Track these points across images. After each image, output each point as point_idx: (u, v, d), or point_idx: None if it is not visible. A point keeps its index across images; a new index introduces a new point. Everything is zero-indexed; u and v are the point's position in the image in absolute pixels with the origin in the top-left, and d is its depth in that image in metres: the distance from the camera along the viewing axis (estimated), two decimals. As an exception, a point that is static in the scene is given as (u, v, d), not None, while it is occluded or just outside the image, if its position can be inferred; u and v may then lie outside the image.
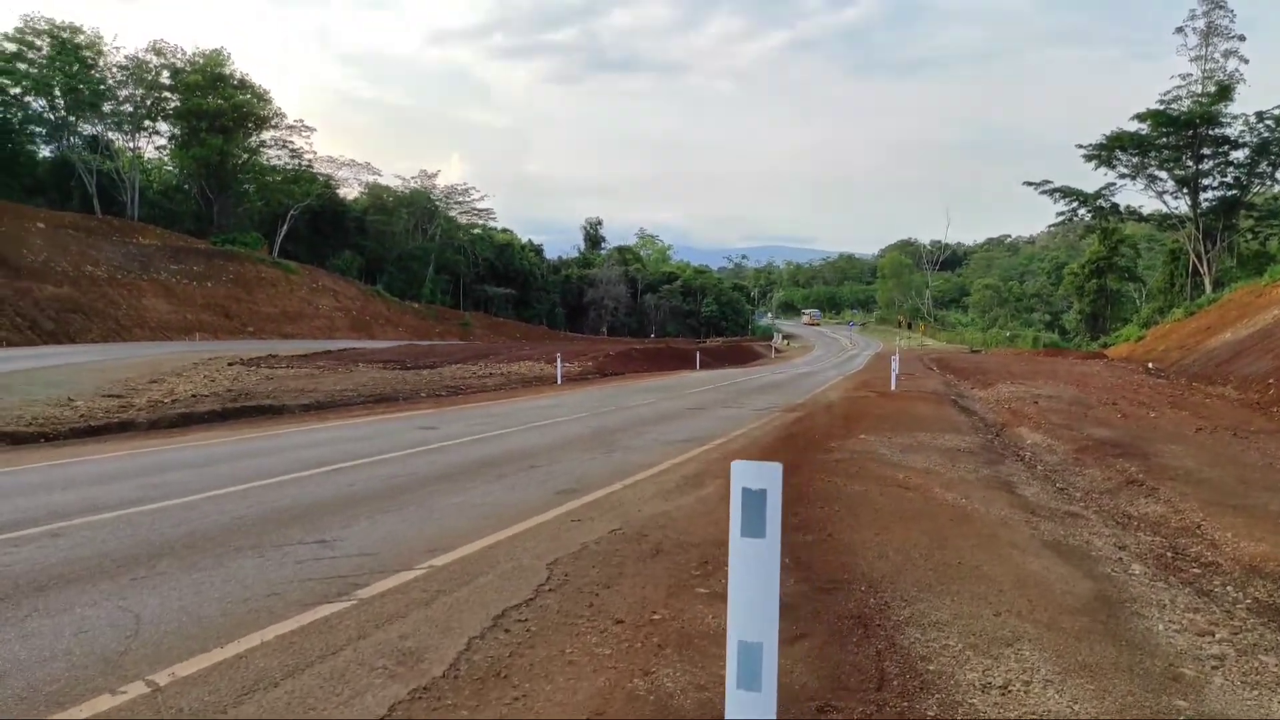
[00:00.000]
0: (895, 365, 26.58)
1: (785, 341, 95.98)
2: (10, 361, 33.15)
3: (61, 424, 14.59)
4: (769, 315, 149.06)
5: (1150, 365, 36.44)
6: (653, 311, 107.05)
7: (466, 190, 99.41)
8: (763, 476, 2.71)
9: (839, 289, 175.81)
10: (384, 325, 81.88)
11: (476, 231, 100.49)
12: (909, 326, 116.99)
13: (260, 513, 7.07)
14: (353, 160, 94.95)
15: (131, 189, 77.54)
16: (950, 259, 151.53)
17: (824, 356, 67.93)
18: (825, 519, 7.09)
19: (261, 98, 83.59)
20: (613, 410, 17.83)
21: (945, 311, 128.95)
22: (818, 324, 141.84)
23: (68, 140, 77.10)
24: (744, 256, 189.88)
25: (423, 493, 7.96)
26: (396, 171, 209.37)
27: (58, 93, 74.33)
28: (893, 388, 24.88)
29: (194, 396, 20.68)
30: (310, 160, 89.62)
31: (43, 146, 79.72)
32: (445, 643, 4.07)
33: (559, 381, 28.27)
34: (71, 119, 76.35)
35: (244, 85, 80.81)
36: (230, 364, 31.73)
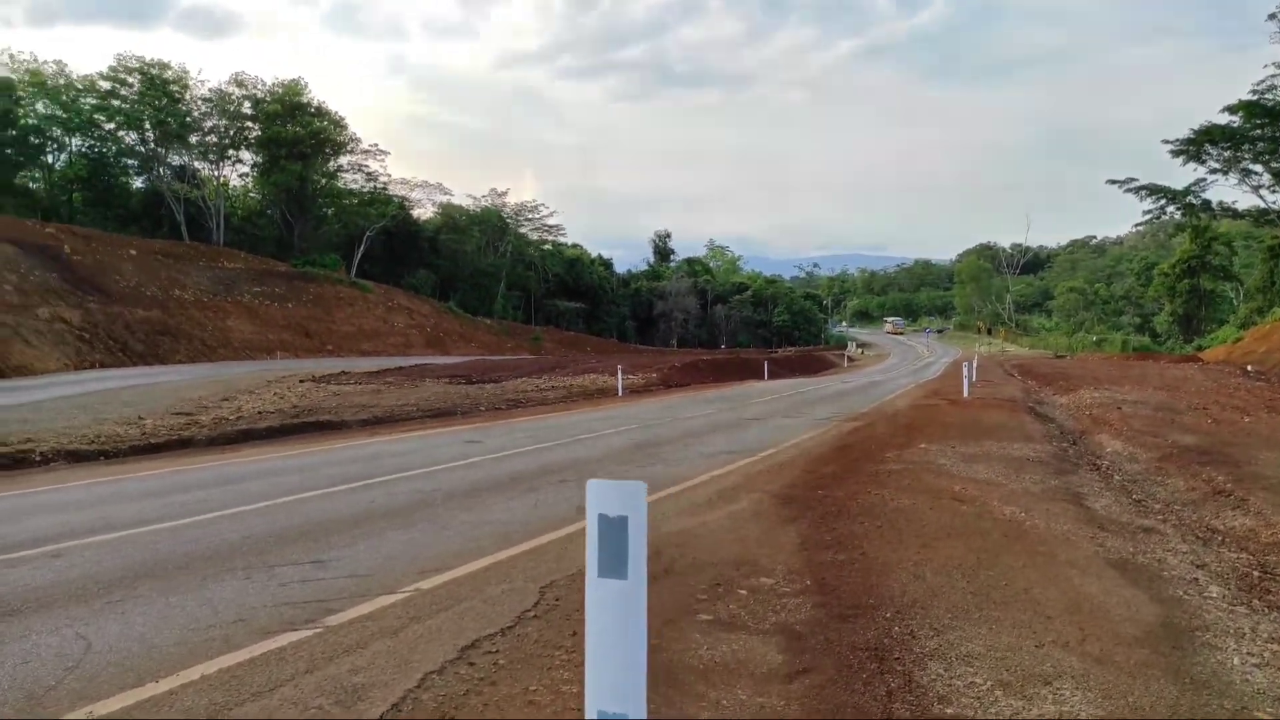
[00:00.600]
0: (968, 371, 25.41)
1: (859, 350, 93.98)
2: (98, 382, 34.51)
3: (124, 441, 14.85)
4: (843, 324, 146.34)
5: (1249, 368, 34.21)
6: (723, 322, 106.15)
7: (536, 207, 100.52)
8: (624, 499, 2.19)
9: (915, 295, 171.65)
10: (457, 341, 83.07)
11: (546, 247, 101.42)
12: (989, 332, 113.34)
13: (270, 530, 6.85)
14: (425, 181, 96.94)
15: (217, 215, 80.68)
16: (1032, 262, 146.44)
17: (898, 365, 66.10)
18: (862, 535, 6.50)
19: (337, 124, 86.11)
20: (666, 422, 17.36)
21: (1027, 316, 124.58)
22: (901, 333, 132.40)
23: (158, 171, 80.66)
24: (815, 265, 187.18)
25: (441, 509, 7.65)
26: (468, 191, 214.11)
27: (148, 126, 77.86)
28: (965, 395, 23.78)
29: (259, 413, 21.01)
30: (385, 183, 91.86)
31: (135, 178, 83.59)
32: (397, 678, 3.68)
33: (620, 394, 27.91)
34: (161, 151, 79.91)
35: (321, 113, 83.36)
36: (301, 381, 32.35)
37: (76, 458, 13.31)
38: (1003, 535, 6.79)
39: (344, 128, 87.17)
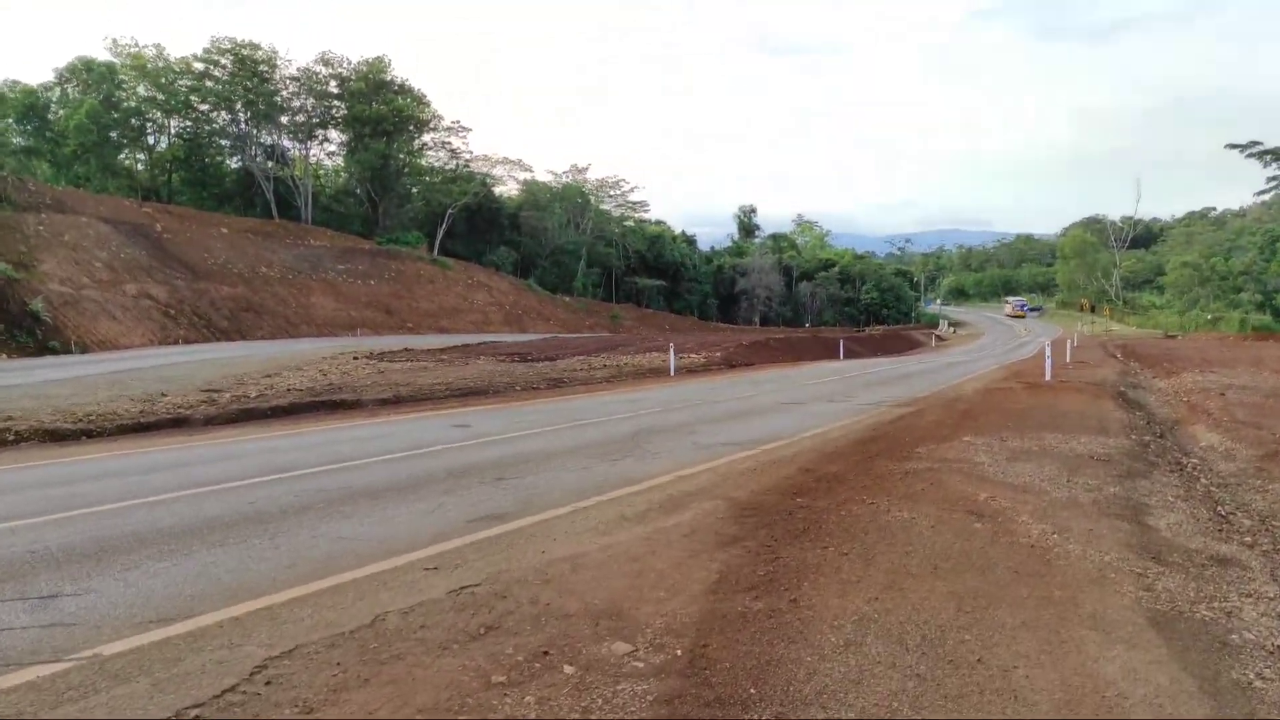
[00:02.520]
0: (1054, 352, 22.97)
1: (951, 329, 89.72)
2: (163, 357, 35.02)
3: (119, 419, 14.23)
4: (936, 301, 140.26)
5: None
6: (808, 300, 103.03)
7: (617, 182, 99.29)
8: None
9: (1015, 272, 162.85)
10: (535, 319, 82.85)
11: (628, 224, 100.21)
12: (1093, 310, 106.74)
13: (85, 539, 5.72)
14: (506, 158, 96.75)
15: (305, 194, 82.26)
16: (1143, 236, 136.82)
17: (990, 345, 62.43)
18: (812, 568, 4.92)
19: (420, 101, 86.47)
20: (692, 406, 15.84)
21: (1136, 293, 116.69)
22: (1023, 315, 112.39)
23: (250, 151, 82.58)
24: (908, 240, 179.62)
25: (311, 516, 6.39)
26: (549, 167, 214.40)
27: (239, 106, 79.70)
28: (1047, 378, 21.43)
29: (287, 390, 20.43)
30: (467, 160, 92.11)
31: (229, 158, 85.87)
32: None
33: (671, 373, 26.44)
34: (252, 130, 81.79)
35: (404, 90, 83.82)
36: (356, 358, 32.00)
37: (56, 437, 12.68)
38: (1013, 570, 5.10)
39: (426, 105, 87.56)
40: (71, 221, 55.89)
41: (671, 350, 27.88)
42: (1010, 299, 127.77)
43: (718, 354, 36.39)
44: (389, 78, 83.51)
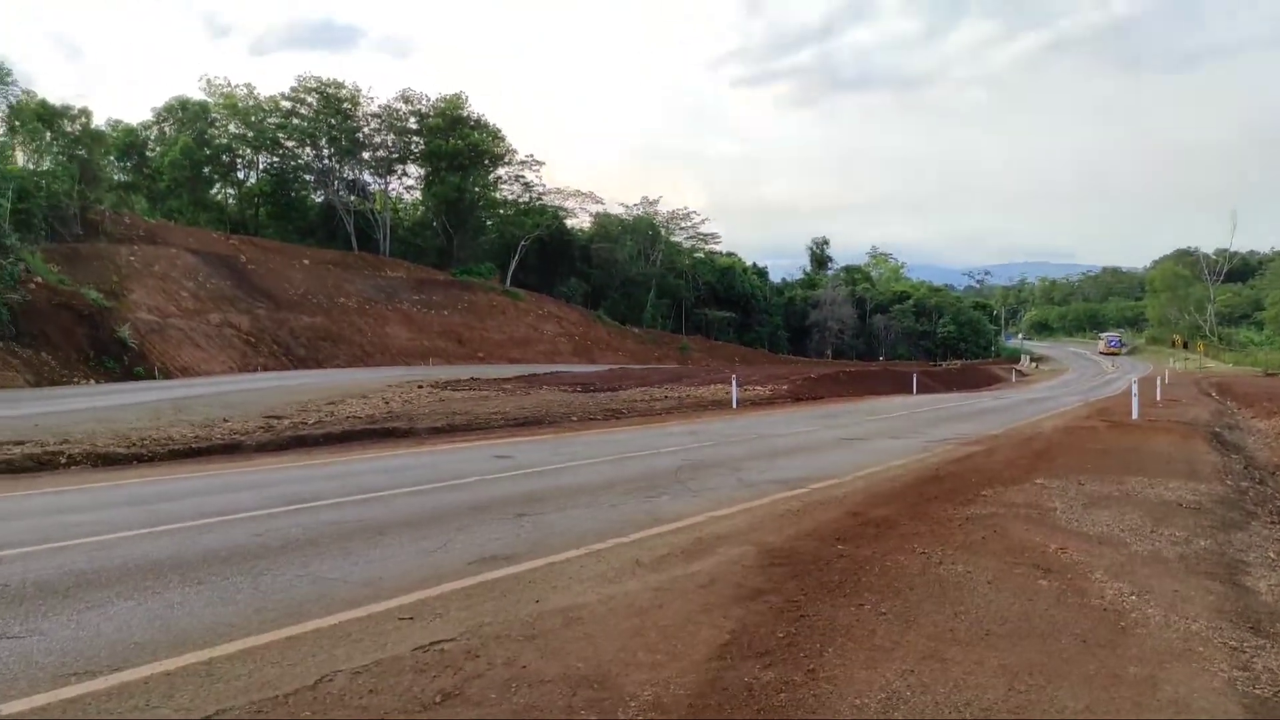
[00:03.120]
0: (1136, 389, 21.59)
1: (1033, 365, 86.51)
2: (235, 384, 35.88)
3: (175, 444, 14.32)
4: (1018, 336, 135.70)
5: None
6: (882, 333, 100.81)
7: (688, 214, 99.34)
8: None
9: (1101, 306, 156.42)
10: (604, 350, 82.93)
11: (699, 255, 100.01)
12: (1185, 346, 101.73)
13: (64, 573, 5.46)
14: (578, 190, 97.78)
15: (383, 227, 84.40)
16: (1239, 269, 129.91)
17: (1075, 381, 59.83)
18: (843, 629, 4.30)
19: (495, 136, 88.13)
20: (751, 439, 15.20)
21: (1232, 329, 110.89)
22: (1117, 352, 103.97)
23: (332, 185, 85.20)
24: (987, 273, 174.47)
25: (309, 553, 5.99)
26: (620, 200, 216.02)
27: (324, 143, 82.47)
28: (1134, 416, 20.10)
29: (348, 418, 20.51)
30: (540, 193, 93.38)
31: (313, 192, 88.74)
32: None
33: (734, 406, 25.78)
34: (335, 166, 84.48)
35: (479, 125, 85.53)
36: (420, 386, 32.22)
37: (108, 461, 12.76)
38: (1080, 639, 4.39)
39: (501, 139, 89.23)
40: (161, 253, 58.30)
41: (734, 382, 27.19)
42: (1104, 335, 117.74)
43: (784, 387, 35.56)
44: (465, 113, 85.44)
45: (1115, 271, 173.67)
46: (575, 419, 21.43)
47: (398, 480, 9.58)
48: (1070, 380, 61.64)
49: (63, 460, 12.31)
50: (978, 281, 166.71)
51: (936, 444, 14.52)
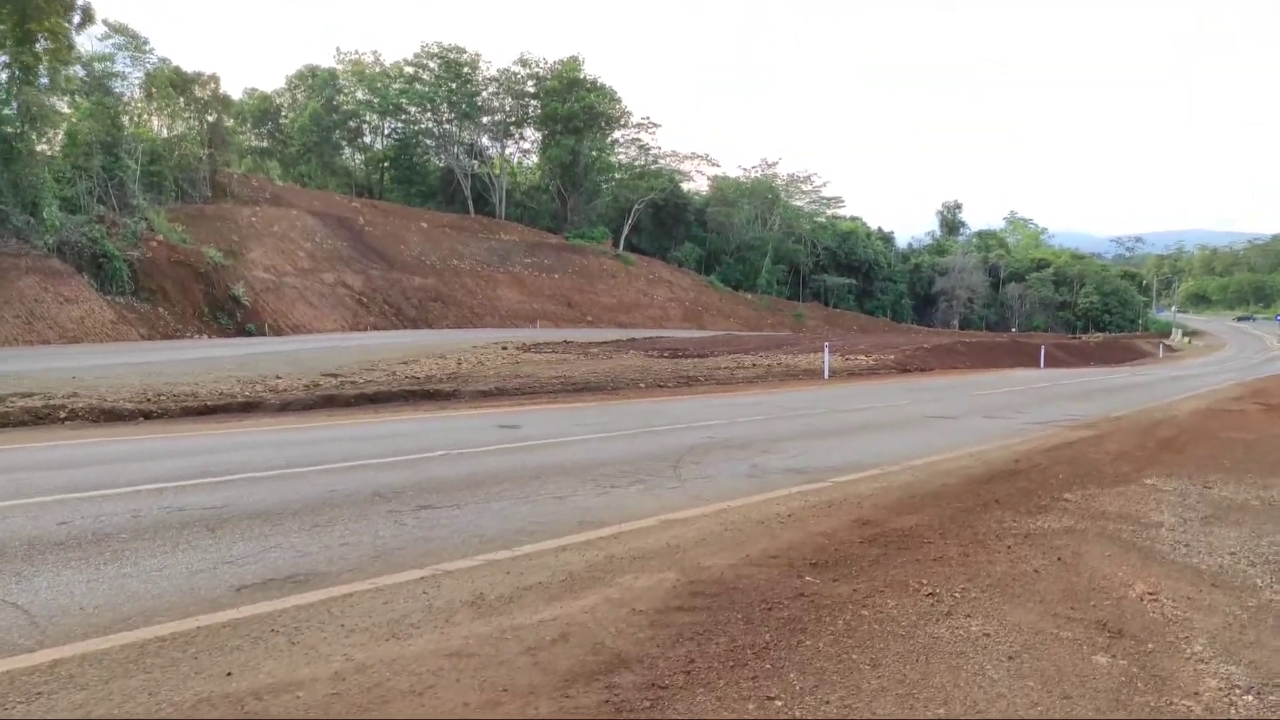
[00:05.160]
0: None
1: (1185, 339, 78.89)
2: (334, 342, 36.17)
3: (189, 401, 13.64)
4: (1171, 308, 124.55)
5: None
6: (1016, 303, 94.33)
7: (809, 177, 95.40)
8: None
9: (1270, 277, 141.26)
10: (715, 316, 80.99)
11: (820, 220, 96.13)
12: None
13: None
14: (694, 153, 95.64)
15: (499, 190, 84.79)
16: None
17: (1232, 358, 53.76)
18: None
19: (611, 98, 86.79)
20: (814, 414, 13.27)
21: None
22: None
23: (452, 150, 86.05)
24: (1139, 240, 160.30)
25: (99, 553, 4.59)
26: (739, 161, 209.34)
27: (444, 108, 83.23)
28: (1297, 399, 16.92)
29: (407, 378, 19.72)
30: (655, 156, 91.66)
31: (435, 157, 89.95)
32: None
33: (825, 376, 23.67)
34: (454, 130, 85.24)
35: (595, 88, 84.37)
36: (505, 348, 31.50)
37: (112, 416, 12.16)
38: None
39: (617, 101, 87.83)
40: (282, 214, 59.98)
41: (826, 351, 25.04)
42: None
43: (891, 357, 32.90)
44: (581, 75, 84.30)
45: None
46: (643, 385, 19.93)
47: (364, 451, 8.30)
48: (1227, 357, 55.50)
49: (62, 415, 11.71)
50: (1128, 249, 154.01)
51: (1037, 426, 12.18)
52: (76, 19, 36.44)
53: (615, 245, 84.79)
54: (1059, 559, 4.97)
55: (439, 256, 70.48)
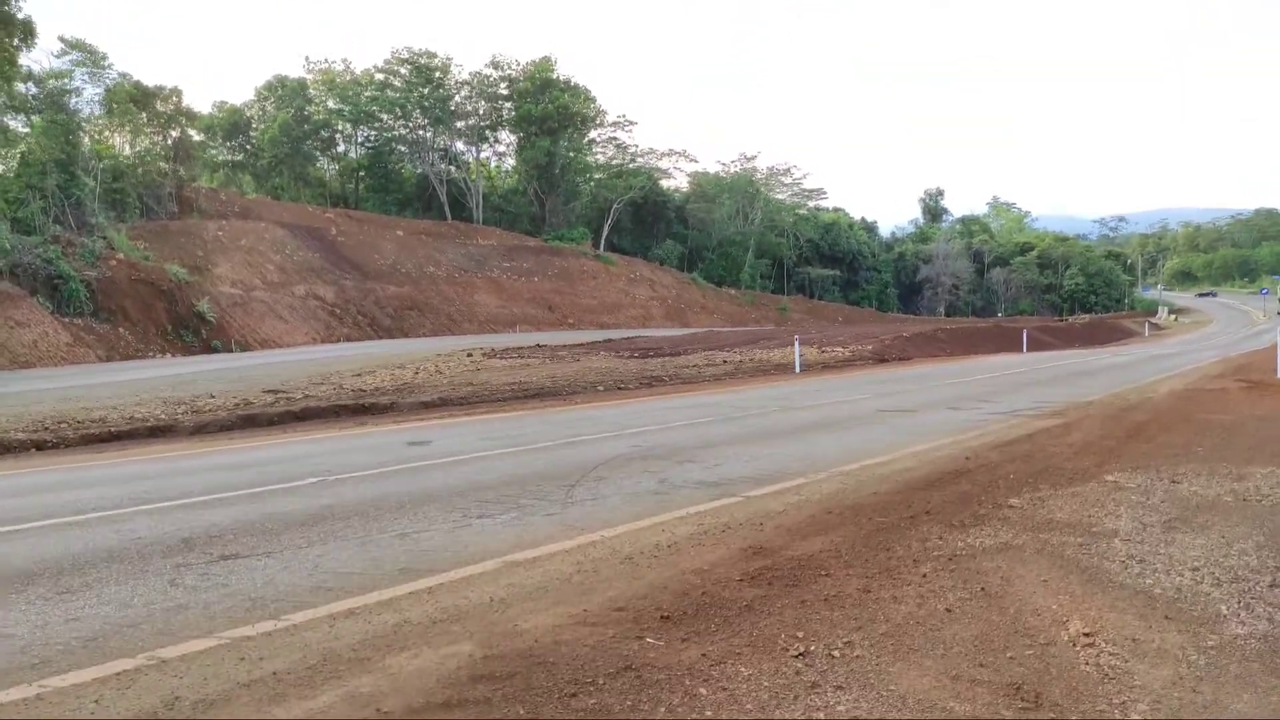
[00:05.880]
0: (1284, 341, 17.49)
1: (1172, 317, 78.43)
2: (297, 355, 35.20)
3: (91, 428, 12.68)
4: (1157, 287, 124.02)
5: None
6: (1001, 288, 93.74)
7: (789, 169, 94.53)
8: None
9: (1253, 252, 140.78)
10: (699, 312, 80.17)
11: (801, 212, 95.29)
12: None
13: None
14: (671, 149, 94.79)
15: (476, 195, 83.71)
16: None
17: (1217, 334, 53.18)
18: None
19: (585, 97, 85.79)
20: (764, 413, 12.40)
21: None
22: None
23: (426, 156, 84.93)
24: (1122, 219, 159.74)
25: None
26: (718, 156, 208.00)
27: (417, 114, 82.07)
28: (1279, 375, 16.15)
29: (356, 391, 18.84)
30: (633, 154, 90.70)
31: (409, 163, 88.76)
32: None
33: (796, 370, 22.83)
34: (427, 135, 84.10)
35: (569, 88, 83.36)
36: (469, 355, 30.56)
37: (5, 448, 11.15)
38: None
39: (591, 100, 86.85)
40: (250, 227, 58.79)
41: (796, 345, 24.19)
42: None
43: (869, 347, 32.08)
44: (555, 76, 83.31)
45: (1270, 213, 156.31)
46: (602, 389, 19.06)
47: (234, 480, 7.37)
48: (1212, 333, 54.95)
49: (-60, 448, 10.74)
50: (1111, 230, 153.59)
51: (1000, 417, 11.31)
52: (16, 41, 35.28)
53: (595, 246, 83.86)
54: (982, 589, 4.08)
55: (415, 264, 69.40)
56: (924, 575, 4.26)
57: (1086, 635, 3.54)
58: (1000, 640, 3.47)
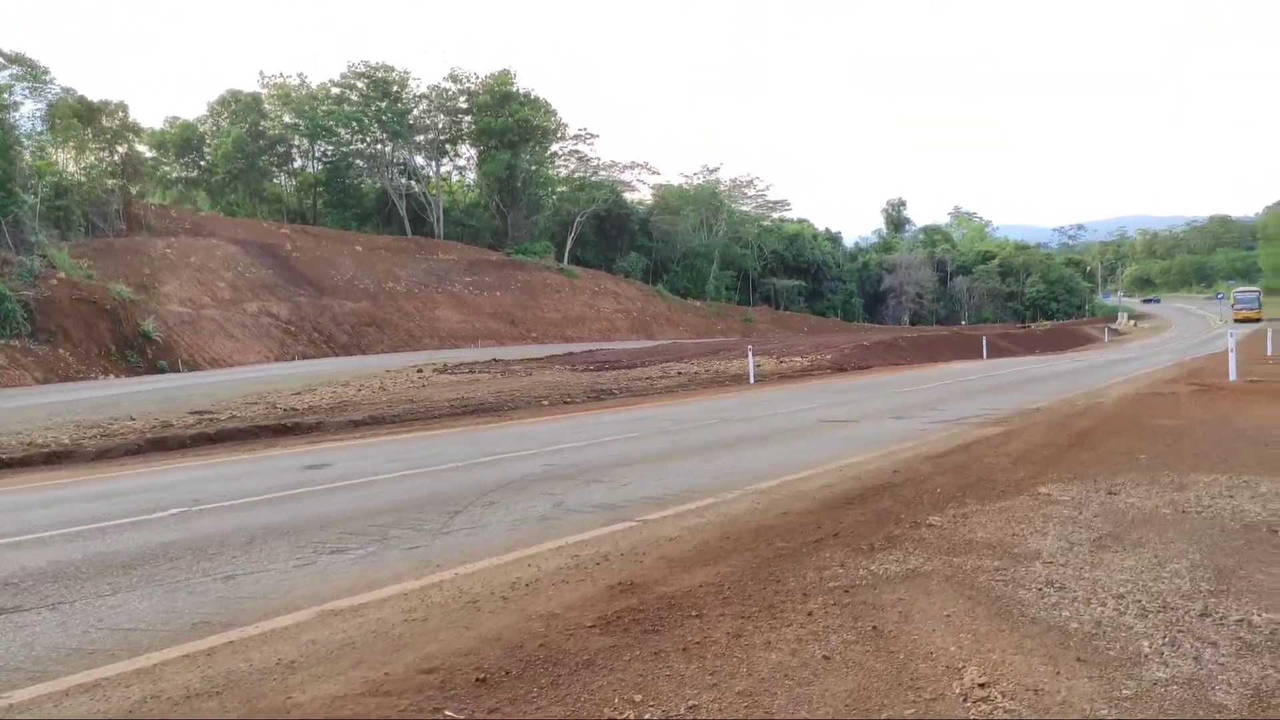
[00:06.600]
0: (1234, 344, 17.32)
1: (1131, 323, 79.21)
2: (244, 374, 34.15)
3: None
4: (1117, 293, 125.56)
5: None
6: (965, 296, 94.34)
7: (752, 181, 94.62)
8: None
9: (1209, 258, 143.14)
10: (664, 325, 79.68)
11: (766, 224, 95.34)
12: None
13: None
14: (634, 162, 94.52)
15: (437, 210, 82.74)
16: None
17: (1175, 339, 53.64)
18: None
19: (545, 110, 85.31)
20: (701, 426, 11.86)
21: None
22: (1258, 316, 67.01)
23: (385, 170, 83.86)
24: (1080, 227, 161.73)
25: None
26: (680, 169, 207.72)
27: (375, 127, 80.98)
28: (1231, 378, 15.90)
29: (290, 410, 18.04)
30: (596, 167, 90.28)
31: (367, 178, 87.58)
32: None
33: (750, 380, 22.36)
34: (385, 150, 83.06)
35: (529, 101, 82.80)
36: (420, 371, 29.78)
37: None
38: None
39: (552, 114, 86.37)
40: (201, 244, 57.41)
41: (750, 356, 23.71)
42: (1240, 291, 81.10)
43: (828, 356, 31.75)
44: (514, 89, 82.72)
45: (1224, 220, 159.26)
46: (547, 403, 18.46)
47: (90, 513, 6.65)
48: (1171, 338, 55.43)
49: None
50: (1070, 238, 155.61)
51: (941, 425, 10.85)
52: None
53: (559, 259, 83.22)
54: (874, 628, 3.52)
55: (373, 280, 68.24)
56: (810, 613, 3.69)
57: (981, 686, 2.98)
58: (879, 696, 2.91)
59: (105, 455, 12.08)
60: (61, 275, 41.80)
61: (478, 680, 2.96)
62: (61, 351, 38.33)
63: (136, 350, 41.19)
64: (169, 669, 3.13)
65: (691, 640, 3.37)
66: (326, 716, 2.66)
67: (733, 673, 3.07)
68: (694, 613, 3.69)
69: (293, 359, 49.87)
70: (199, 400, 20.49)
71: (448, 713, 2.72)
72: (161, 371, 40.05)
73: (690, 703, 2.80)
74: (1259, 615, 3.63)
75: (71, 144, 56.09)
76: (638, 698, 2.84)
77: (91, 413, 17.78)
